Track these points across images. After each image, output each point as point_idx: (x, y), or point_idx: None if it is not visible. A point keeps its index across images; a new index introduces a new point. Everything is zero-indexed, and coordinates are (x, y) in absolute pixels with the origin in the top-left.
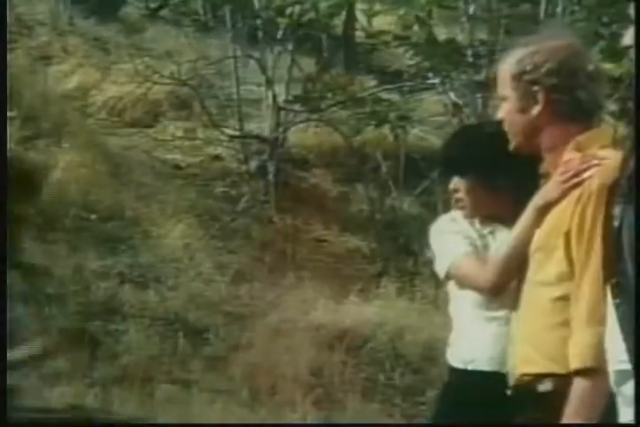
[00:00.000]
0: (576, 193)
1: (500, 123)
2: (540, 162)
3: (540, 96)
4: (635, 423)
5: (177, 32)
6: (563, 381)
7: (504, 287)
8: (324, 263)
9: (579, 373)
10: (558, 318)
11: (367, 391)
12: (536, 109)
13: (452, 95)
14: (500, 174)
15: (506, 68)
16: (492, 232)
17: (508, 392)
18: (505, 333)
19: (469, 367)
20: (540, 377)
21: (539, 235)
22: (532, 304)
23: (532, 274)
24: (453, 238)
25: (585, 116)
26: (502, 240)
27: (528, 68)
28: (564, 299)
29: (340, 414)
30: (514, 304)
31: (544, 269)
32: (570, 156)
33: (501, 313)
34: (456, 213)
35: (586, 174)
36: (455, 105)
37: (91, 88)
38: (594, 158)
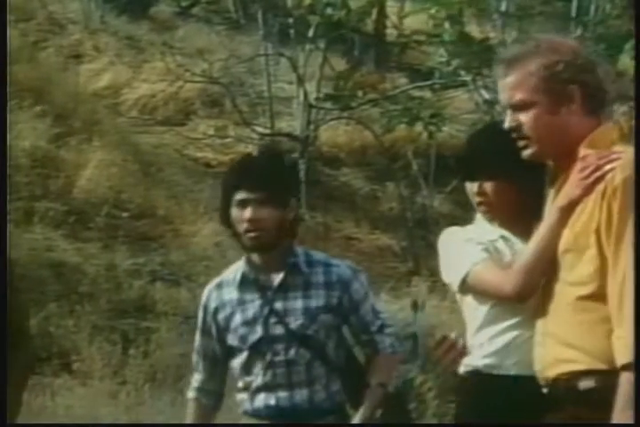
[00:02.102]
0: (600, 189)
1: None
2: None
3: (577, 93)
4: (635, 423)
5: (208, 30)
6: (605, 377)
7: (532, 293)
8: (354, 261)
9: (625, 367)
10: (595, 316)
11: (398, 389)
12: (572, 108)
13: (483, 93)
14: (529, 177)
15: (527, 75)
16: (502, 236)
17: (544, 390)
18: (526, 337)
19: (494, 372)
20: (581, 375)
21: (568, 236)
22: (565, 304)
23: (563, 275)
24: (466, 246)
25: (601, 112)
26: (525, 245)
27: (560, 68)
28: (600, 296)
29: None
30: (541, 307)
31: (575, 270)
32: (585, 152)
33: (520, 318)
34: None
35: (607, 167)
36: (487, 102)
37: (122, 86)
38: (611, 153)
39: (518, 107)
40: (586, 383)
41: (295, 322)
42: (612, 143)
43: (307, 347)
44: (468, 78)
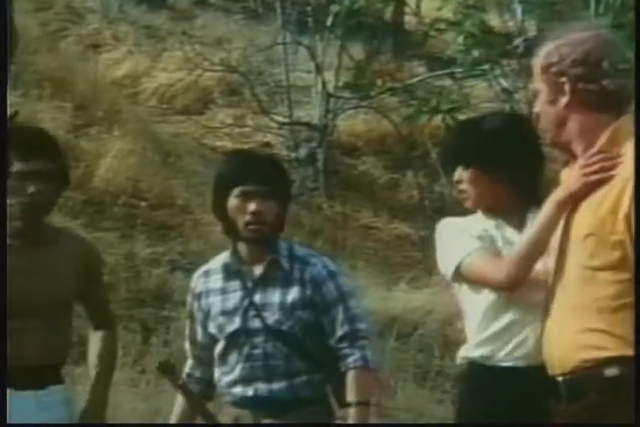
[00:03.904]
0: (625, 177)
1: (501, 115)
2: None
3: (567, 87)
4: (635, 423)
5: (227, 19)
6: (631, 364)
7: (522, 282)
8: (373, 250)
9: None
10: (626, 300)
11: (417, 378)
12: (563, 101)
13: (502, 81)
14: (502, 167)
15: (536, 61)
16: (497, 226)
17: (560, 378)
18: (522, 329)
19: (489, 363)
20: (607, 362)
21: (590, 220)
22: (589, 290)
23: (583, 260)
24: (460, 237)
25: (615, 106)
26: (518, 234)
27: (555, 59)
28: (629, 281)
29: (390, 401)
30: (554, 293)
31: (600, 255)
32: (603, 141)
33: (517, 311)
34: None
35: (612, 172)
36: (505, 91)
37: (141, 75)
38: (617, 155)
39: (535, 92)
40: (611, 371)
41: (272, 317)
42: (627, 139)
43: (284, 342)
44: (486, 67)
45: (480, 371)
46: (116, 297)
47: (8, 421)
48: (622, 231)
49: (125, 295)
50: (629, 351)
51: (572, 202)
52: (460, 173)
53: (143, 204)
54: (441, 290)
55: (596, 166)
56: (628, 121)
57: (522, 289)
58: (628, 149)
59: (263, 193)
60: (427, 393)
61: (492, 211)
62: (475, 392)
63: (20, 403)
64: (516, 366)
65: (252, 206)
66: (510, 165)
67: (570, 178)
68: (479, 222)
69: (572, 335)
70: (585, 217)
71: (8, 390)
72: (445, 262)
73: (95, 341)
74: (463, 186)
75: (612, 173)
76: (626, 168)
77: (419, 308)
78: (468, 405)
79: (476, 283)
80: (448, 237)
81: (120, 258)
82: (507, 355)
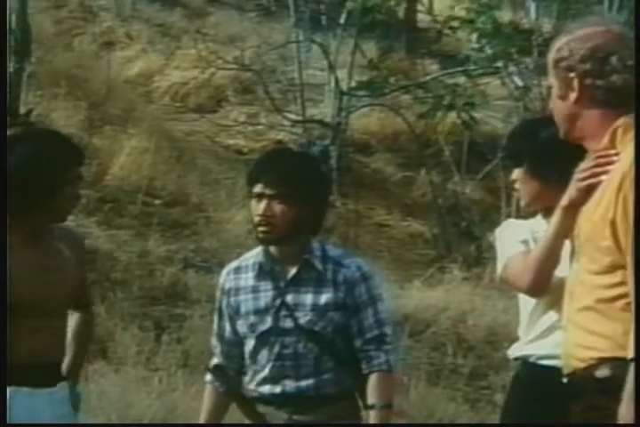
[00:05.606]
0: (616, 180)
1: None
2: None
3: (576, 82)
4: (635, 423)
5: (240, 17)
6: (622, 364)
7: (543, 286)
8: (386, 248)
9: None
10: (619, 304)
11: (430, 376)
12: (573, 96)
13: (516, 79)
14: (552, 167)
15: (549, 56)
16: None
17: (564, 380)
18: (557, 328)
19: (530, 360)
20: (598, 363)
21: (586, 226)
22: (589, 292)
23: (585, 264)
24: (507, 241)
25: (624, 103)
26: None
27: (565, 54)
28: (623, 284)
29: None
30: (562, 295)
31: (595, 260)
32: (605, 142)
33: (555, 311)
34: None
35: (602, 177)
36: (519, 88)
37: (154, 74)
38: (609, 154)
39: (549, 87)
40: (602, 372)
41: (304, 317)
42: (627, 140)
43: (315, 342)
44: (500, 65)
45: (525, 368)
46: (129, 295)
47: (24, 420)
48: (609, 237)
49: (139, 293)
50: (622, 353)
51: (577, 207)
52: (516, 173)
53: (157, 202)
54: (454, 288)
55: (588, 172)
56: (629, 121)
57: (559, 292)
58: (625, 153)
59: (272, 195)
60: (440, 391)
61: (550, 213)
62: (517, 387)
63: (35, 401)
64: (555, 365)
65: (258, 209)
66: (562, 167)
67: (571, 183)
68: (533, 225)
69: (573, 337)
70: (583, 222)
71: (22, 389)
72: (498, 265)
73: (74, 322)
74: (517, 185)
75: (603, 177)
76: (618, 173)
77: (432, 306)
78: (510, 400)
79: (510, 286)
80: (499, 241)
81: (134, 256)
82: (547, 354)
